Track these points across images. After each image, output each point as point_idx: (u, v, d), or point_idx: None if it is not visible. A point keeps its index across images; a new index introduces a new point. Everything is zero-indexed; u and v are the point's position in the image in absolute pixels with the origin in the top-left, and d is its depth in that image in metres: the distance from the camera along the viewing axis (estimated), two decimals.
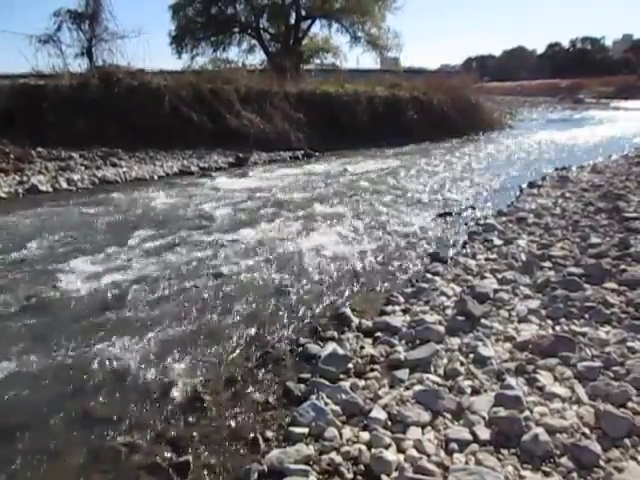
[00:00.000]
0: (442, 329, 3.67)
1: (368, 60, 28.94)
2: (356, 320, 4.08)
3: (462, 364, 3.23)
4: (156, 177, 11.45)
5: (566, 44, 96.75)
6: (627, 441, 2.45)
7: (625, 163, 12.04)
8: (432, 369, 3.22)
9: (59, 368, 3.52)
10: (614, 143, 17.54)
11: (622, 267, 4.71)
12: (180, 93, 14.14)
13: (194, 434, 2.83)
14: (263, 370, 3.47)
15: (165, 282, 5.07)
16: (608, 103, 49.69)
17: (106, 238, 6.62)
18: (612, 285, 4.38)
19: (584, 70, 72.50)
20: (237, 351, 3.74)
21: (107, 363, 3.55)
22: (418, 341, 3.57)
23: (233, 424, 2.91)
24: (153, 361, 3.58)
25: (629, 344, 3.33)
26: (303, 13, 26.12)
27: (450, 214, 7.70)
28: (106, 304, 4.58)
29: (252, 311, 4.41)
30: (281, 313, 4.37)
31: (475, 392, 2.93)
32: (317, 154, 14.96)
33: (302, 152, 14.90)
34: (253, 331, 4.03)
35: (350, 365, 3.33)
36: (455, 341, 3.55)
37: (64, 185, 10.14)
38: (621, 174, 10.27)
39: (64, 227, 7.16)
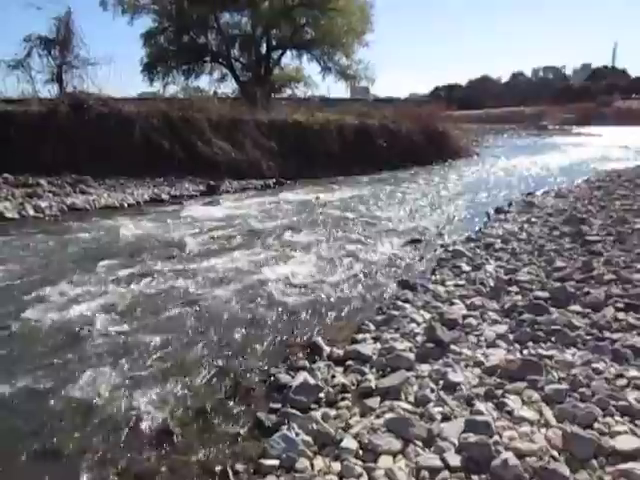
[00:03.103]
0: (412, 356, 3.70)
1: (339, 88, 29.53)
2: (327, 349, 4.08)
3: (432, 391, 3.25)
4: (126, 205, 11.33)
5: (529, 73, 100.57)
6: (594, 462, 2.49)
7: (587, 187, 12.47)
8: (403, 396, 3.23)
9: (21, 401, 3.42)
10: (577, 168, 18.18)
11: (586, 290, 4.85)
12: (151, 121, 14.14)
13: (162, 469, 2.77)
14: (234, 401, 3.43)
15: (134, 312, 5.00)
16: (570, 129, 51.56)
17: (73, 267, 6.50)
18: (577, 308, 4.49)
19: (547, 98, 75.28)
20: (207, 382, 3.69)
21: (72, 396, 3.46)
22: (389, 369, 3.58)
23: (202, 457, 2.86)
24: (120, 393, 3.50)
25: (594, 365, 3.41)
26: (274, 43, 26.57)
27: (420, 241, 7.81)
28: (72, 335, 4.47)
29: (223, 341, 4.37)
30: (252, 342, 4.33)
31: (445, 418, 2.95)
32: (288, 182, 15.05)
33: (273, 180, 14.97)
34: (224, 361, 3.99)
35: (321, 394, 3.32)
36: (425, 368, 3.57)
37: (31, 212, 9.95)
38: (584, 198, 10.62)
39: (30, 255, 7.02)
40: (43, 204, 10.32)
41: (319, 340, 4.22)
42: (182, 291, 5.63)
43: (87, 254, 7.21)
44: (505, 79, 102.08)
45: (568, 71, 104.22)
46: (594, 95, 75.19)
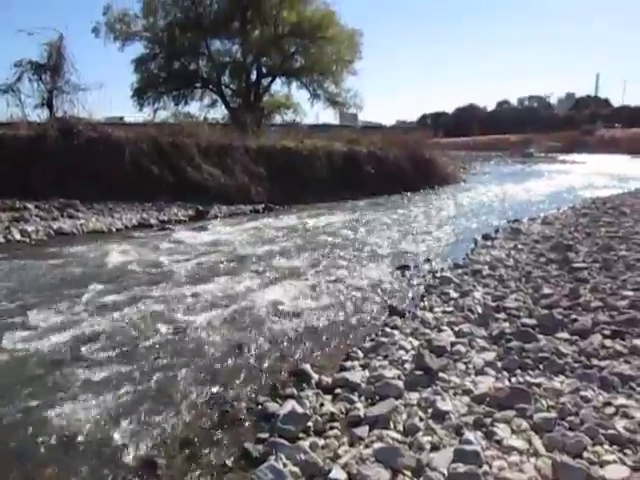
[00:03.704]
0: (401, 384, 3.68)
1: (328, 114, 29.87)
2: (316, 376, 4.04)
3: (421, 419, 3.23)
4: (114, 230, 11.28)
5: (514, 102, 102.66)
6: None
7: (573, 215, 12.63)
8: (391, 425, 3.20)
9: (1, 432, 3.33)
10: (562, 195, 18.44)
11: (573, 317, 4.88)
12: (141, 146, 14.18)
13: None
14: (220, 430, 3.38)
15: (119, 339, 4.93)
16: (556, 157, 52.40)
17: (58, 292, 6.42)
18: (564, 335, 4.51)
19: (532, 126, 76.81)
20: (194, 411, 3.64)
21: (55, 426, 3.39)
22: (377, 397, 3.56)
23: None
24: (104, 423, 3.43)
25: (582, 393, 3.41)
26: (264, 71, 26.94)
27: (408, 267, 7.83)
28: (56, 363, 4.40)
29: (210, 369, 4.32)
30: (239, 370, 4.29)
31: (434, 448, 2.92)
32: (277, 207, 15.10)
33: (262, 206, 15.02)
34: (210, 389, 3.94)
35: (309, 423, 3.28)
36: (414, 396, 3.54)
37: (17, 236, 9.87)
38: (570, 225, 10.75)
39: (14, 280, 6.93)
40: (30, 228, 10.25)
41: (307, 367, 4.19)
42: (168, 317, 5.58)
43: (72, 279, 7.13)
44: (491, 107, 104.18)
45: (553, 100, 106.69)
46: (578, 123, 76.85)
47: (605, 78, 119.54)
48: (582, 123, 76.06)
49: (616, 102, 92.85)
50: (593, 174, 28.70)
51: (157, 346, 4.79)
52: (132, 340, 4.91)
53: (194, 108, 27.76)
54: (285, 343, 4.90)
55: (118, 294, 6.38)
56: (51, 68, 16.22)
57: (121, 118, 16.28)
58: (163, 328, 5.24)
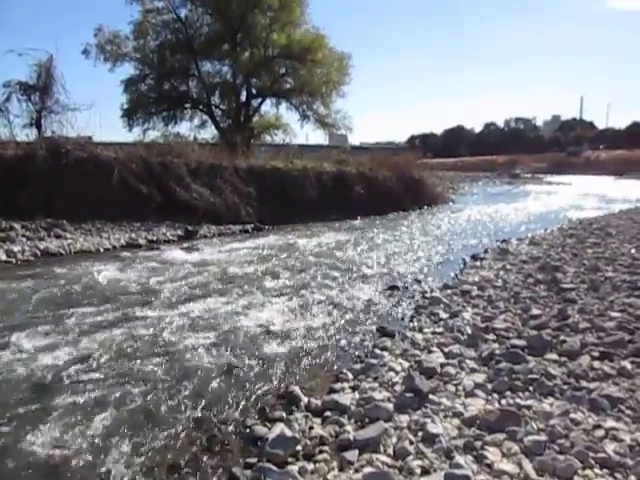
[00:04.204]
0: (391, 406, 3.65)
1: (318, 135, 30.09)
2: (305, 399, 4.01)
3: (411, 443, 3.20)
4: (102, 250, 11.19)
5: (501, 124, 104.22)
6: None
7: (560, 235, 12.74)
8: (381, 449, 3.17)
9: None
10: (549, 216, 18.63)
11: (562, 338, 4.90)
12: (130, 165, 14.15)
13: None
14: (208, 455, 3.33)
15: (106, 361, 4.86)
16: (542, 178, 53.09)
17: (44, 314, 6.33)
18: (553, 356, 4.52)
19: (519, 147, 78.02)
20: (181, 435, 3.58)
21: (38, 450, 3.32)
22: (367, 419, 3.53)
23: None
24: (89, 448, 3.37)
25: (572, 416, 3.41)
26: (254, 92, 27.12)
27: (397, 287, 7.83)
28: (42, 386, 4.33)
29: (198, 391, 4.26)
30: (228, 393, 4.24)
31: (425, 472, 2.90)
32: (267, 227, 15.10)
33: (252, 226, 15.01)
34: (198, 413, 3.88)
35: (299, 447, 3.24)
36: (404, 418, 3.52)
37: (3, 257, 9.75)
38: (557, 246, 10.84)
39: None
40: (15, 248, 10.14)
41: (296, 389, 4.15)
42: (156, 339, 5.52)
43: (57, 300, 7.05)
44: (478, 129, 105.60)
45: (539, 122, 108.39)
46: (564, 145, 78.16)
47: (589, 101, 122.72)
48: (567, 145, 77.40)
49: (600, 124, 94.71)
50: (579, 195, 29.08)
51: (144, 369, 4.72)
52: (119, 363, 4.84)
53: (184, 128, 27.82)
54: (274, 365, 4.86)
55: (105, 315, 6.31)
56: (40, 89, 16.22)
57: (89, 137, 16.12)
58: (150, 350, 5.17)
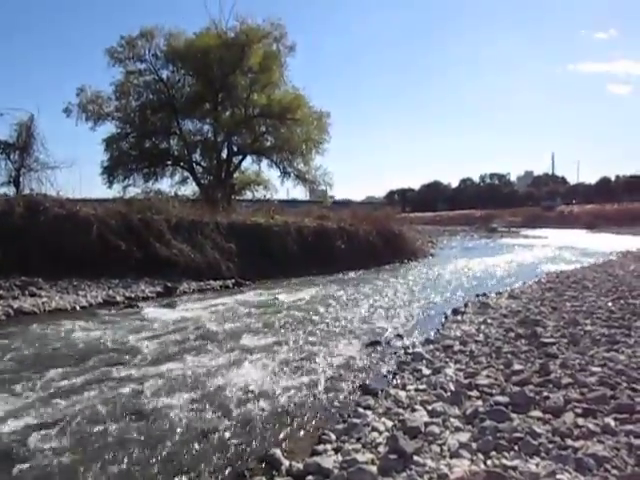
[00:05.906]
0: (374, 469, 3.54)
1: (299, 191, 30.42)
2: (286, 462, 3.88)
3: None
4: (78, 307, 10.96)
5: (477, 179, 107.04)
6: None
7: (539, 289, 12.85)
8: None
9: None
10: (527, 269, 18.86)
11: (545, 394, 4.85)
12: (109, 222, 14.08)
13: None
14: None
15: (77, 425, 4.67)
16: (518, 232, 54.10)
17: (13, 376, 6.10)
18: (537, 413, 4.46)
19: (494, 202, 79.92)
20: None
21: None
22: None
23: None
24: None
25: (558, 477, 3.33)
26: (235, 149, 27.56)
27: (379, 343, 7.77)
28: (7, 453, 4.12)
29: (173, 456, 4.10)
30: (204, 458, 4.08)
31: None
32: (248, 283, 14.98)
33: (233, 281, 14.89)
34: None
35: None
36: None
37: None
38: (536, 299, 10.91)
39: None
40: None
41: (277, 452, 4.03)
42: (132, 400, 5.34)
43: (29, 361, 6.82)
44: (455, 184, 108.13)
45: (512, 177, 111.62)
46: (537, 200, 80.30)
47: (560, 156, 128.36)
48: (541, 199, 79.57)
49: (571, 179, 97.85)
50: (555, 248, 29.57)
51: (118, 433, 4.54)
52: (91, 427, 4.65)
53: (165, 185, 27.94)
54: (254, 426, 4.72)
55: (78, 377, 6.11)
56: (20, 147, 16.31)
57: (57, 192, 15.77)
58: (125, 413, 5.00)
